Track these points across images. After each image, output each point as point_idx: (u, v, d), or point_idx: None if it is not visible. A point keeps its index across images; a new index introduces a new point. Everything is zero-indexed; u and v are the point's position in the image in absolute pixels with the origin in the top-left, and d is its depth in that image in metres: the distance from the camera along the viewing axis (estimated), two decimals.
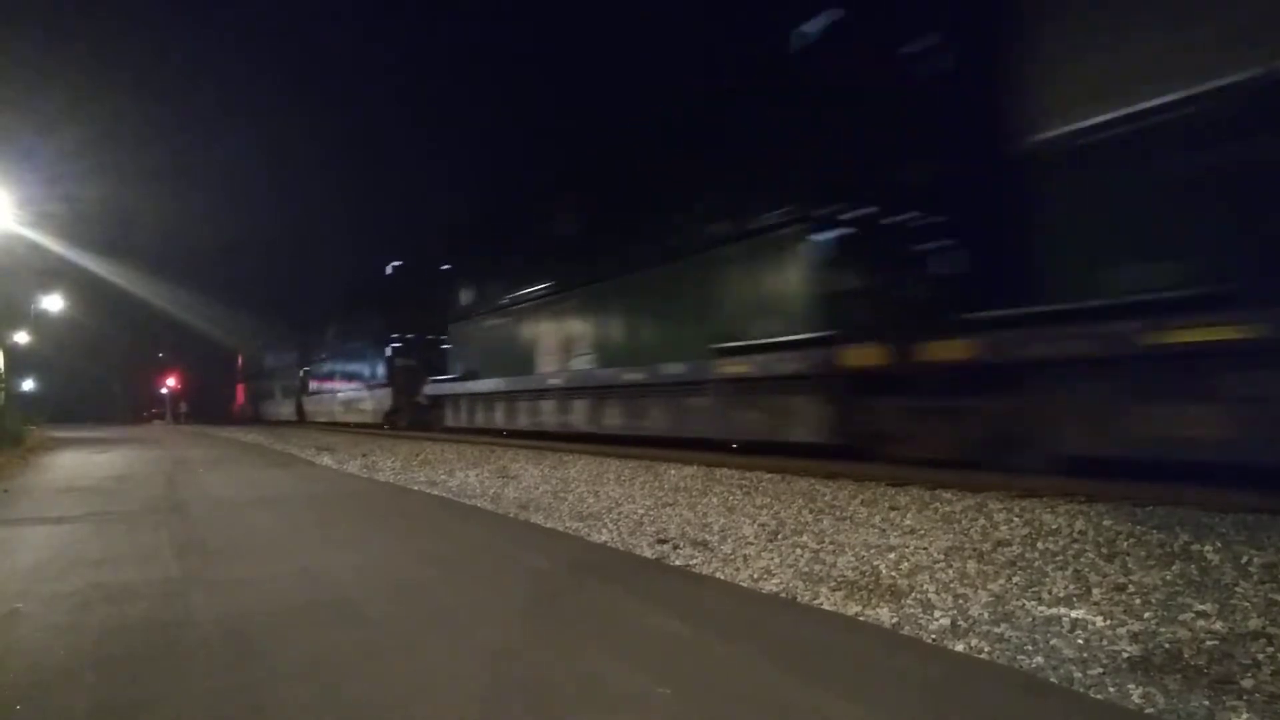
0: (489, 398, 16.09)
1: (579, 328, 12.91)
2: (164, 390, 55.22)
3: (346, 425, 27.13)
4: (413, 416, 22.01)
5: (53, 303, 26.68)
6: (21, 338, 26.55)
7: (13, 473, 10.46)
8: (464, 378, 17.39)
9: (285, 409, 38.02)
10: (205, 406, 54.18)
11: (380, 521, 5.94)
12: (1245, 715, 2.09)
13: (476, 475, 8.93)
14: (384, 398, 24.08)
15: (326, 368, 31.85)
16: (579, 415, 12.75)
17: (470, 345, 17.75)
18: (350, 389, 28.15)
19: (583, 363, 12.56)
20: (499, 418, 15.71)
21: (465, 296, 18.26)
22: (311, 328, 34.57)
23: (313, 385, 33.84)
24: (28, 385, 36.75)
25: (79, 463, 12.37)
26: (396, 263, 25.15)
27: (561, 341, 13.43)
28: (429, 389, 19.60)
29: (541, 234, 14.55)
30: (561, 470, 8.99)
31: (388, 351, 24.14)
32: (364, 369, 26.70)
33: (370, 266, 28.46)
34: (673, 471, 8.18)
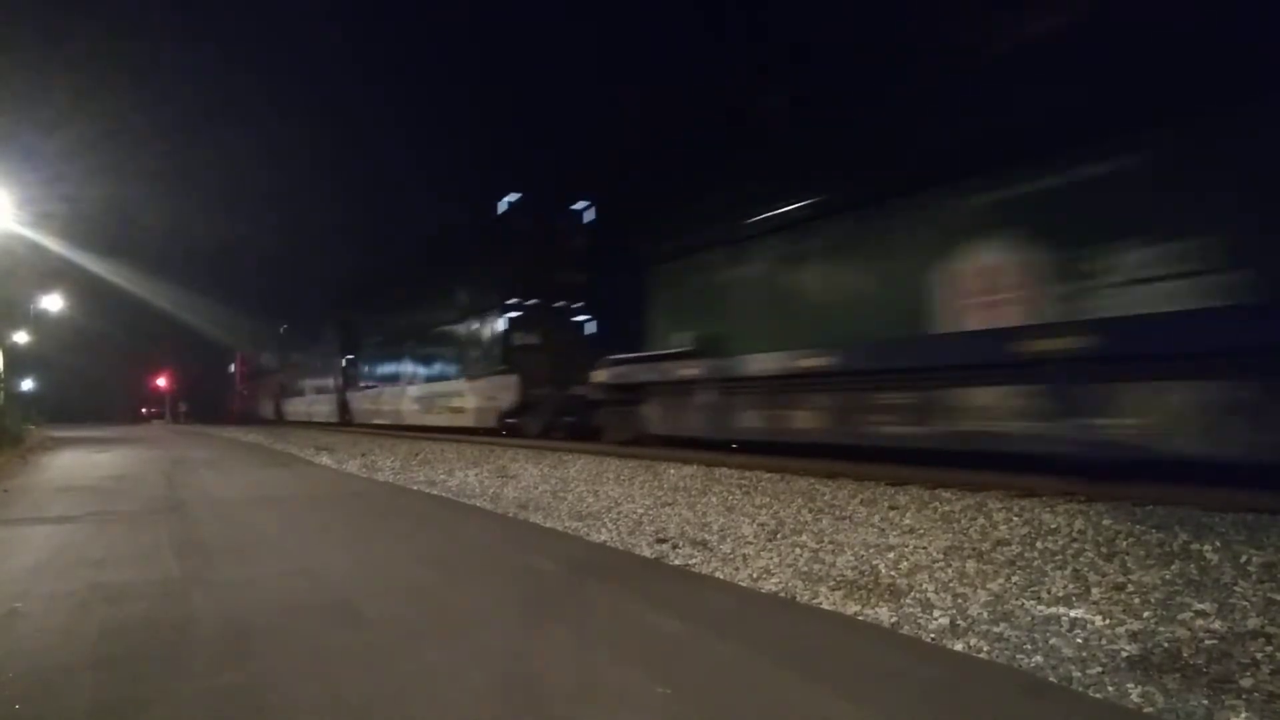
0: (777, 386, 8.63)
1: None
2: (163, 389, 55.25)
3: (424, 431, 19.51)
4: (553, 418, 14.91)
5: (53, 303, 26.67)
6: (21, 338, 26.53)
7: (12, 472, 10.46)
8: (696, 353, 10.05)
9: (320, 408, 30.19)
10: (206, 406, 54.22)
11: (380, 521, 5.94)
12: (1244, 715, 2.09)
13: (476, 475, 8.94)
14: (499, 392, 16.25)
15: (388, 355, 23.88)
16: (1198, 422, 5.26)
17: (699, 298, 10.36)
18: (434, 383, 20.13)
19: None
20: (805, 422, 8.35)
21: (684, 221, 10.74)
22: (361, 304, 26.80)
23: (365, 380, 25.91)
24: (27, 385, 36.70)
25: (78, 462, 12.36)
26: (514, 196, 17.09)
27: (1064, 263, 6.15)
28: (610, 373, 11.71)
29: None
30: (561, 470, 8.99)
31: (500, 325, 16.51)
32: (458, 352, 18.79)
33: (456, 207, 21.51)
34: (672, 471, 8.18)
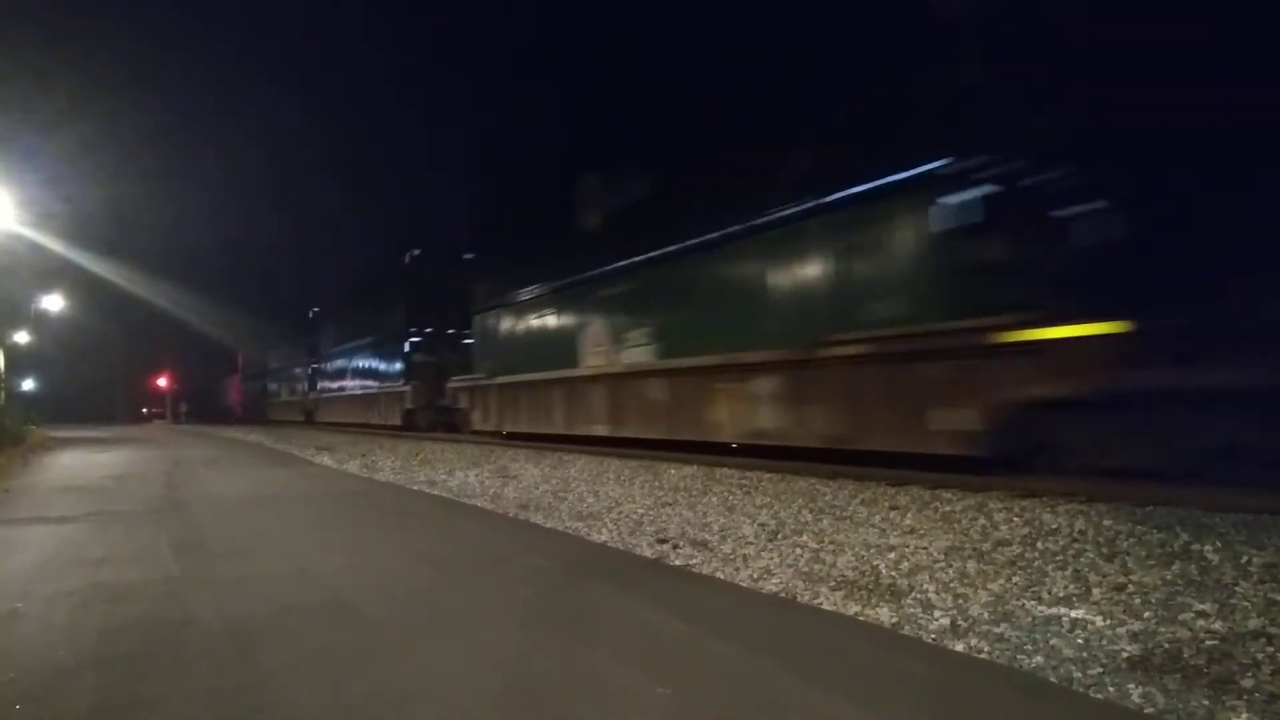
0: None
1: None
2: (163, 389, 55.25)
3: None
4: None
5: (53, 303, 26.69)
6: (21, 338, 26.53)
7: (13, 472, 10.46)
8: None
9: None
10: (206, 406, 54.25)
11: (380, 521, 5.94)
12: (1245, 715, 2.09)
13: (476, 475, 8.93)
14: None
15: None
16: None
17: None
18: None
19: None
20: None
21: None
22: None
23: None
24: (28, 385, 36.68)
25: (79, 462, 12.37)
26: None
27: None
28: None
29: None
30: (561, 470, 8.99)
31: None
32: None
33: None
34: (672, 471, 8.18)
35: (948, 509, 5.20)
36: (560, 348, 12.36)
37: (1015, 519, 4.77)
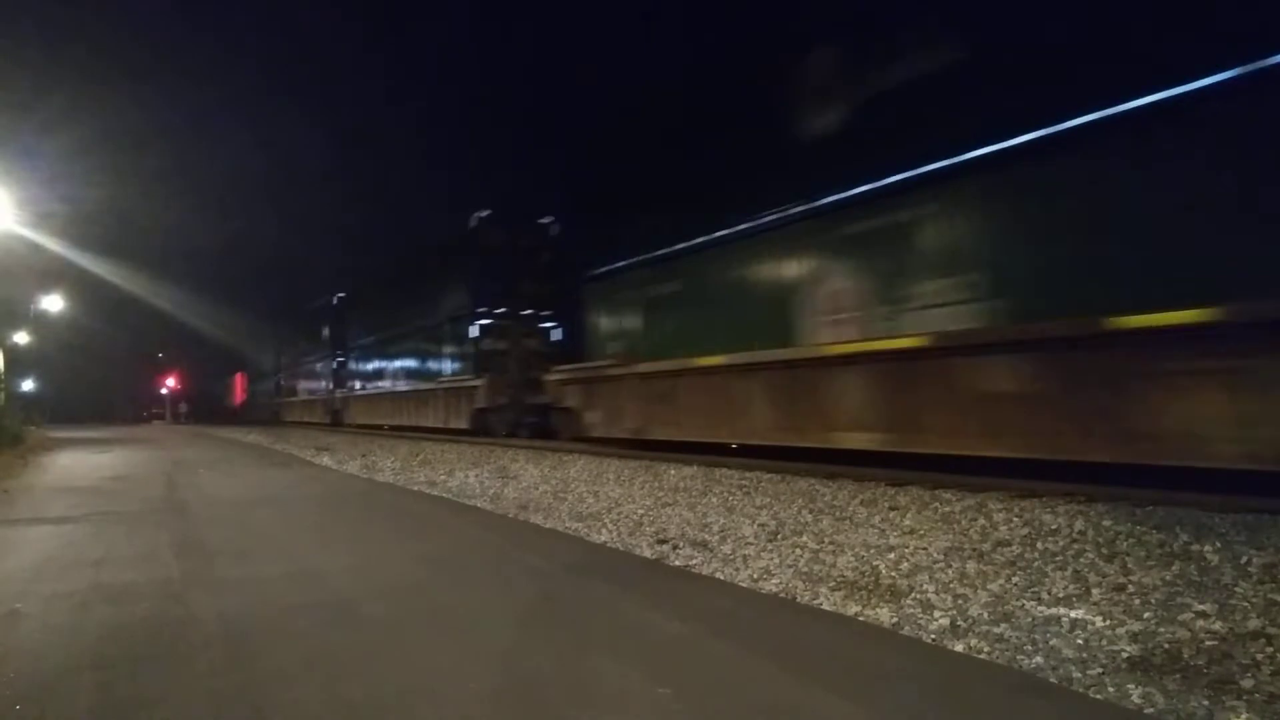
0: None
1: None
2: (164, 390, 55.27)
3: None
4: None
5: (53, 303, 26.69)
6: (21, 338, 26.52)
7: (13, 473, 10.46)
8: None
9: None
10: (206, 407, 54.25)
11: (380, 522, 5.94)
12: (1245, 715, 2.09)
13: (476, 475, 8.93)
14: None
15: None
16: None
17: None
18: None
19: None
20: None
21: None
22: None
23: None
24: (28, 385, 36.64)
25: (79, 463, 12.36)
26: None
27: None
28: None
29: None
30: (561, 470, 8.99)
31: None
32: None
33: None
34: (672, 472, 8.17)
35: (947, 509, 5.20)
36: (757, 316, 8.46)
37: (1015, 519, 4.77)
